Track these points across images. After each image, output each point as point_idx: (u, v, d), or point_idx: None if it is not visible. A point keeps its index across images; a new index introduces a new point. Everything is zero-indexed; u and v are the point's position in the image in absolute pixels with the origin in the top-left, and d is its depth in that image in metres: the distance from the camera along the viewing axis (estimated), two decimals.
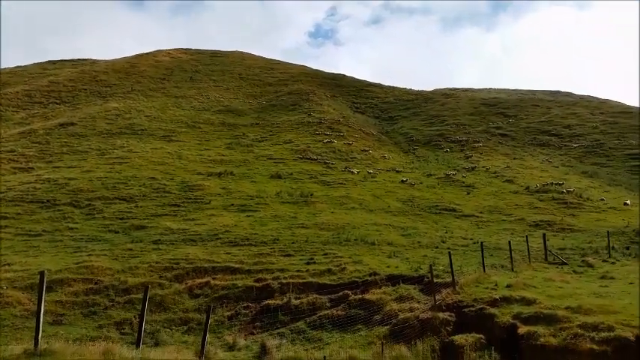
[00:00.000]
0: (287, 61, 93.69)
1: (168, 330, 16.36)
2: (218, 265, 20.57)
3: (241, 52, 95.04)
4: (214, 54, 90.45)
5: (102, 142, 45.79)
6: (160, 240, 24.25)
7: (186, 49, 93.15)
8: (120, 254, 22.08)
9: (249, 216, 28.87)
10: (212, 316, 16.66)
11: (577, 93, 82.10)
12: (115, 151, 43.01)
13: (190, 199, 31.98)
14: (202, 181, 35.92)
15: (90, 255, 21.85)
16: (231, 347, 14.46)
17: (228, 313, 17.27)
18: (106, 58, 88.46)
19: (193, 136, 50.65)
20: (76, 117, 53.61)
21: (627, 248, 24.49)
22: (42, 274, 8.31)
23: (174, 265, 20.55)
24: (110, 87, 67.78)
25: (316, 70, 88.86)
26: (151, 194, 32.43)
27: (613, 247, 23.65)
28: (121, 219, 27.91)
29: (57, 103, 61.15)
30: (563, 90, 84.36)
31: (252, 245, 23.34)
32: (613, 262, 21.19)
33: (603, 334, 12.20)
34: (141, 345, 9.76)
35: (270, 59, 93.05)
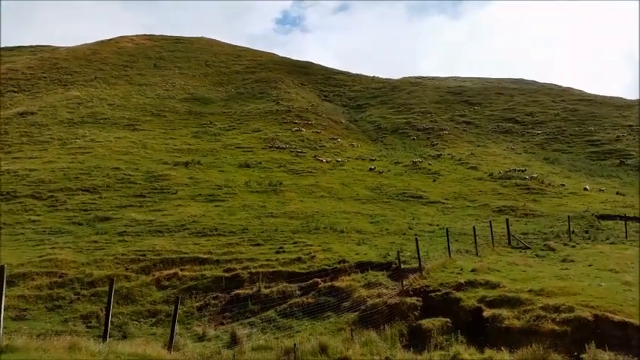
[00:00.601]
0: (254, 48, 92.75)
1: (136, 322, 16.15)
2: (186, 255, 20.36)
3: (207, 39, 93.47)
4: (179, 40, 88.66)
5: (63, 131, 44.50)
6: (125, 231, 23.83)
7: (149, 35, 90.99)
8: (84, 247, 21.62)
9: (217, 206, 28.63)
10: (181, 307, 16.52)
11: (540, 81, 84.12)
12: (77, 140, 41.89)
13: (156, 189, 31.48)
14: (168, 170, 35.38)
15: (53, 248, 21.32)
16: (200, 338, 14.41)
17: (198, 304, 17.15)
18: (67, 45, 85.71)
19: (158, 124, 49.73)
20: (35, 106, 51.88)
21: (587, 232, 25.38)
22: (1, 268, 8.06)
23: (141, 257, 20.24)
24: (71, 75, 65.73)
25: (284, 57, 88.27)
26: (116, 185, 31.79)
27: (573, 231, 24.46)
28: (84, 210, 27.29)
29: (15, 92, 58.94)
30: (526, 78, 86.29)
31: (220, 235, 23.18)
32: (573, 246, 21.92)
33: (564, 315, 12.63)
34: (108, 338, 9.61)
35: (237, 46, 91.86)
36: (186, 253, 20.66)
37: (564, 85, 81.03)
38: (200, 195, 30.70)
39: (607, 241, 23.24)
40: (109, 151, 39.36)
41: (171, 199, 29.78)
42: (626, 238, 23.89)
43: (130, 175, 33.65)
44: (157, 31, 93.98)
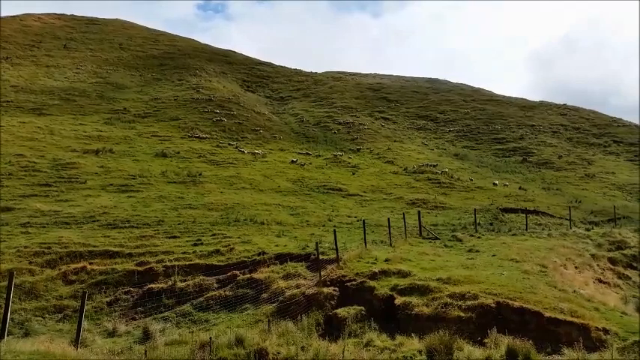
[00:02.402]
0: (173, 33, 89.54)
1: (40, 319, 15.23)
2: (95, 249, 19.40)
3: (122, 21, 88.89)
4: (91, 21, 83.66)
5: None
6: (29, 223, 22.28)
7: (59, 14, 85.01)
8: None
9: (130, 197, 27.48)
10: (90, 303, 15.80)
11: (453, 81, 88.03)
12: None
13: (63, 178, 29.68)
14: (77, 158, 33.45)
15: None
16: (110, 334, 13.87)
17: (108, 299, 16.45)
18: None
19: (67, 109, 46.81)
20: None
21: (491, 224, 27.12)
22: None
23: (46, 250, 19.04)
24: None
25: (205, 44, 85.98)
26: (19, 173, 29.61)
27: (479, 223, 26.01)
28: None
29: None
30: (440, 78, 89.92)
31: (133, 227, 22.29)
32: (479, 237, 23.31)
33: (469, 302, 13.46)
34: (7, 336, 9.00)
35: (155, 30, 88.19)
36: (95, 246, 19.69)
37: (475, 85, 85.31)
38: (112, 185, 29.32)
39: (509, 232, 24.94)
40: (12, 136, 36.52)
41: (79, 188, 28.20)
42: (527, 230, 25.79)
43: (35, 163, 31.47)
44: (68, 11, 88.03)
